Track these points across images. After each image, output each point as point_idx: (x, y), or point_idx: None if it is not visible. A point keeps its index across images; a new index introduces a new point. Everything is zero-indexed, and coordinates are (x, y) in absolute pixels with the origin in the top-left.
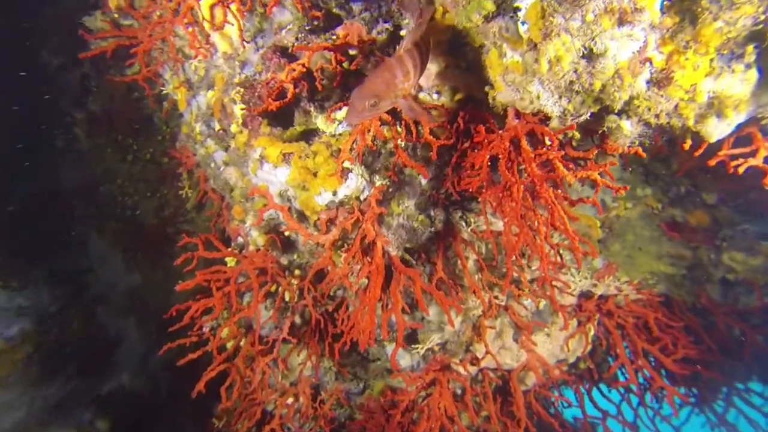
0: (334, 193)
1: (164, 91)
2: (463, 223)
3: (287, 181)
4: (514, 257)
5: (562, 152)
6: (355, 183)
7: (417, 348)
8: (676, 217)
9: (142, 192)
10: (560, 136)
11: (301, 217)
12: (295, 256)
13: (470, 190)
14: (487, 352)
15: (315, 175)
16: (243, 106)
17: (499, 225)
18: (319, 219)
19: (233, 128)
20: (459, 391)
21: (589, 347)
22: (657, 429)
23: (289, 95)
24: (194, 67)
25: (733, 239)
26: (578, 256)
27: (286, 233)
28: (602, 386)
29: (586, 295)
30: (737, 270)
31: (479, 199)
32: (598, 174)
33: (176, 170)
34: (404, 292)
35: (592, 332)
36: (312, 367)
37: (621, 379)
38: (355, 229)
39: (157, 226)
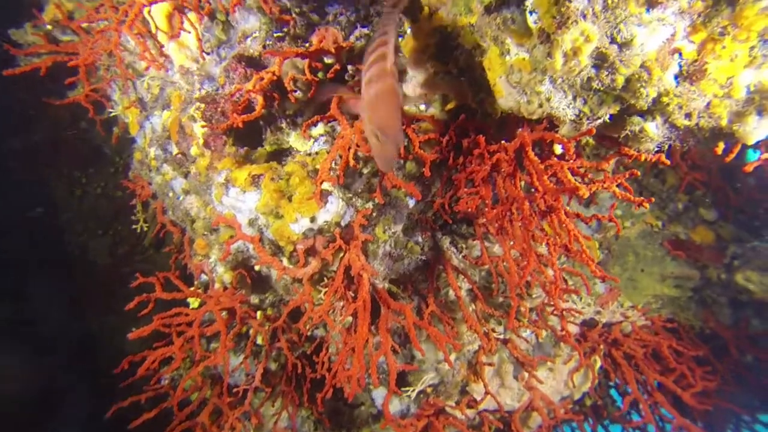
0: (312, 220)
1: (112, 113)
2: (454, 249)
3: (258, 207)
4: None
5: (579, 162)
6: (335, 207)
7: (408, 391)
8: (680, 234)
9: (92, 229)
10: (572, 144)
11: (275, 248)
12: (268, 294)
13: (468, 210)
14: (487, 393)
15: (290, 199)
16: (204, 123)
17: (494, 249)
18: (295, 250)
19: (193, 150)
20: None
21: (596, 381)
22: None
23: (257, 108)
24: (147, 85)
25: (745, 257)
26: (586, 281)
27: (257, 268)
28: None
29: (589, 324)
30: (752, 291)
31: (471, 222)
32: (616, 186)
33: (130, 203)
34: (392, 332)
35: (598, 364)
36: (288, 418)
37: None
38: (336, 259)
39: (110, 267)
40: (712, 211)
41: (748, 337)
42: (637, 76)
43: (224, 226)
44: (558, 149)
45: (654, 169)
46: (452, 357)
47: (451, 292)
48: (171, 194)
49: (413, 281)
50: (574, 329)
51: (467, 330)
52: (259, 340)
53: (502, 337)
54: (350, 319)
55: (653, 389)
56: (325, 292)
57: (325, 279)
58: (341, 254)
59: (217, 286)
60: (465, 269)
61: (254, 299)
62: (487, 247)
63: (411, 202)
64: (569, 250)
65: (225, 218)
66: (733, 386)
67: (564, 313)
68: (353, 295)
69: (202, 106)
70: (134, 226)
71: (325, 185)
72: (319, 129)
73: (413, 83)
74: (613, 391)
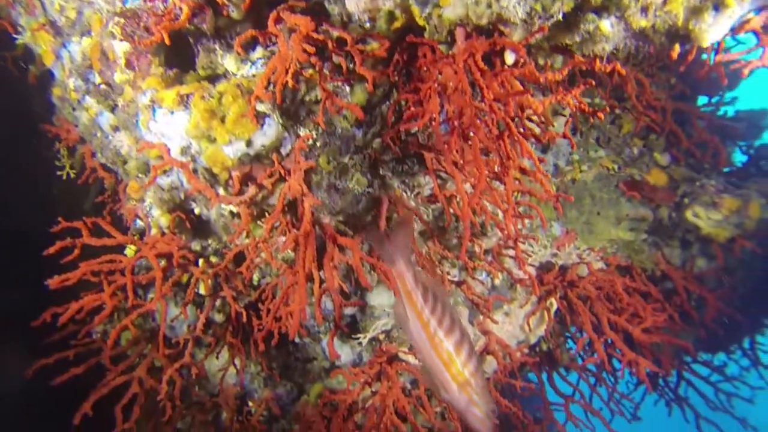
0: (248, 143)
1: (19, 40)
2: (405, 188)
3: (188, 130)
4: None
5: (529, 68)
6: (273, 130)
7: (359, 338)
8: (635, 175)
9: (21, 196)
10: (524, 48)
11: (210, 177)
12: (210, 241)
13: (416, 129)
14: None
15: (222, 120)
16: (122, 37)
17: (447, 186)
18: (230, 177)
19: (118, 77)
20: (409, 385)
21: (552, 324)
22: (619, 408)
23: (183, 16)
24: (59, 6)
25: (693, 194)
26: (542, 214)
27: (197, 211)
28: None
29: (545, 267)
30: (700, 226)
31: (422, 159)
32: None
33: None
34: (343, 277)
35: (554, 307)
36: (236, 373)
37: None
38: (277, 190)
39: (43, 235)
40: (666, 156)
41: (694, 277)
42: None
43: (155, 158)
44: (509, 58)
45: (611, 114)
46: None
47: None
48: (99, 134)
49: (363, 224)
50: (531, 272)
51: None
52: (201, 289)
53: (456, 279)
54: (292, 254)
55: (606, 328)
56: (267, 223)
57: (267, 215)
58: (281, 185)
59: (153, 231)
60: (416, 208)
61: (196, 246)
62: (440, 184)
63: (358, 133)
64: (525, 171)
65: (152, 144)
66: (680, 325)
67: (520, 245)
68: (297, 231)
69: (122, 21)
70: (59, 173)
71: (261, 106)
72: (258, 53)
73: None
74: (570, 341)
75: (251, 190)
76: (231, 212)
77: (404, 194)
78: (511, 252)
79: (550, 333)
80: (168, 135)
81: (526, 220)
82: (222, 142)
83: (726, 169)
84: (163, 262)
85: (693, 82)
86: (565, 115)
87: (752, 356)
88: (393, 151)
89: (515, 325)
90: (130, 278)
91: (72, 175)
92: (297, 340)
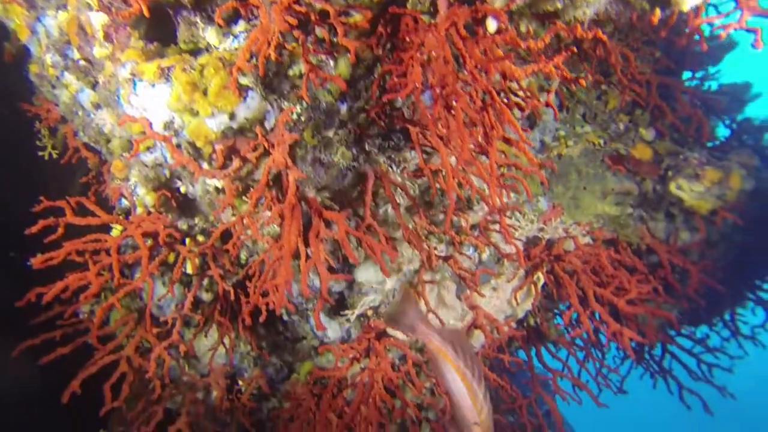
0: (231, 116)
1: None
2: (391, 163)
3: (170, 103)
4: (454, 195)
5: (510, 34)
6: (256, 103)
7: (347, 314)
8: (620, 150)
9: (5, 185)
10: (506, 14)
11: (194, 151)
12: (197, 220)
13: (400, 98)
14: (428, 311)
15: (205, 93)
16: (99, 8)
17: (433, 160)
18: (214, 150)
19: (98, 52)
20: (398, 361)
21: (539, 297)
22: (606, 381)
23: None
24: None
25: (677, 167)
26: (528, 188)
27: (182, 189)
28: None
29: (532, 242)
30: (683, 199)
31: (407, 134)
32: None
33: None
34: (330, 254)
35: (541, 281)
36: (225, 353)
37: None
38: (261, 164)
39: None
40: (651, 131)
41: (678, 250)
42: None
43: (138, 134)
44: (491, 26)
45: (597, 90)
46: (393, 278)
47: (390, 211)
48: (80, 112)
49: (349, 200)
50: (518, 246)
51: (407, 247)
52: (189, 268)
53: (443, 254)
54: (278, 229)
55: (591, 300)
56: (252, 196)
57: (252, 190)
58: (266, 159)
59: (139, 210)
60: (403, 183)
61: (182, 225)
62: (425, 158)
63: (342, 107)
64: (509, 141)
65: (134, 118)
66: (664, 298)
67: (506, 219)
68: (282, 200)
69: None
70: (41, 153)
71: (244, 79)
72: (240, 26)
73: None
74: (558, 317)
75: (235, 163)
76: (216, 188)
77: (390, 169)
78: (498, 227)
79: (538, 307)
80: (150, 109)
81: (513, 195)
82: (204, 114)
83: (709, 144)
84: (149, 241)
85: (677, 57)
86: (550, 90)
87: (732, 327)
88: (378, 126)
89: (503, 299)
90: (115, 257)
91: (54, 156)
92: (285, 318)
